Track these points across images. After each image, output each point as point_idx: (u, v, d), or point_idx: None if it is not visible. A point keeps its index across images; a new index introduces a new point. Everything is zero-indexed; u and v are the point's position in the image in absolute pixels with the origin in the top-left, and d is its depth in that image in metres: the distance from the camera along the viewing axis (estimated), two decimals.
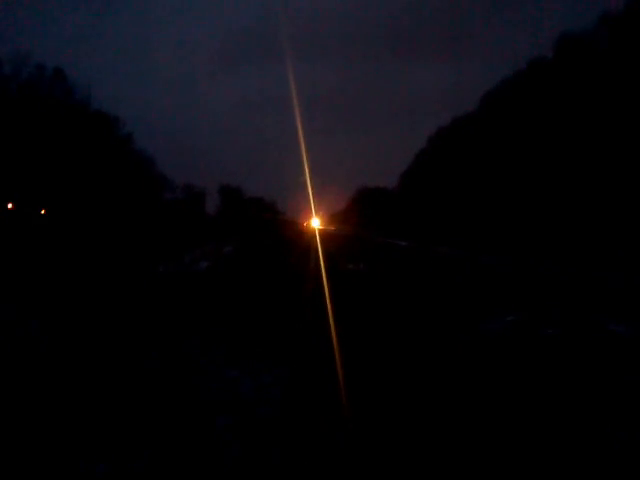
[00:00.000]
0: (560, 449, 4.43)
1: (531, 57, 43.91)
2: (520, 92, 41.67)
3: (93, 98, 49.96)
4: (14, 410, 5.37)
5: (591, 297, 12.69)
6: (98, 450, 4.50)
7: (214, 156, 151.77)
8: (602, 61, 32.95)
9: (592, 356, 7.14)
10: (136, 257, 23.83)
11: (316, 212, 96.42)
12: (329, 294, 12.87)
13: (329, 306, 11.19)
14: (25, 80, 45.08)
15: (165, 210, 60.49)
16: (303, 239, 52.02)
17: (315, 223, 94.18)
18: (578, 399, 5.54)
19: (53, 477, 4.17)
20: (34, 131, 40.16)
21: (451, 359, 7.22)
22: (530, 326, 8.93)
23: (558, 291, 13.84)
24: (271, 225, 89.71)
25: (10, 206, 42.48)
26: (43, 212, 43.85)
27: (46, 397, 5.68)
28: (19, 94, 44.06)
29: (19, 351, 7.61)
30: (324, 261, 23.03)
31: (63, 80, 47.84)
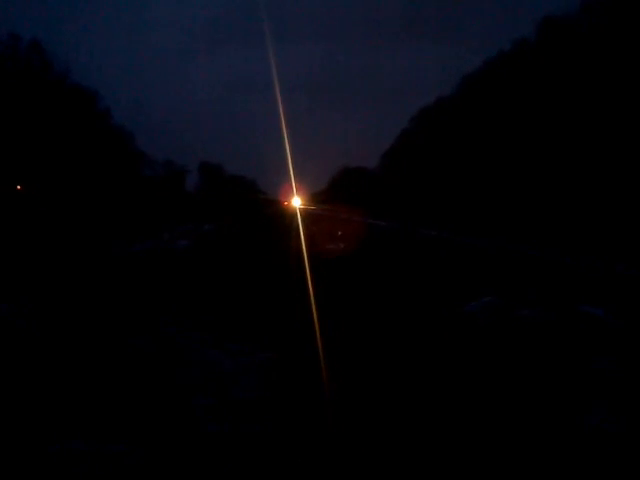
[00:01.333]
0: (528, 431, 4.54)
1: (514, 38, 43.88)
2: (503, 73, 41.70)
3: (72, 72, 48.79)
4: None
5: (567, 280, 12.90)
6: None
7: (196, 134, 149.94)
8: (585, 44, 33.08)
9: (566, 338, 7.29)
10: (113, 235, 23.57)
11: (297, 191, 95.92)
12: (310, 273, 12.90)
13: (310, 285, 11.23)
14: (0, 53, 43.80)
15: (144, 187, 59.76)
16: (284, 218, 51.90)
17: (296, 202, 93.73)
18: (547, 380, 5.67)
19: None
20: (10, 104, 39.20)
21: (428, 340, 7.32)
22: (506, 307, 9.06)
23: (534, 274, 14.05)
24: (252, 203, 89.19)
25: None
26: (18, 188, 43.03)
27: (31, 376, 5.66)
28: None
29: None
30: (305, 240, 23.04)
31: (40, 52, 46.57)
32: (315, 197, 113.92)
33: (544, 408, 4.96)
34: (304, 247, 19.68)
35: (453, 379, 5.77)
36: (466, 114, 46.12)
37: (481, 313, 8.81)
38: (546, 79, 35.10)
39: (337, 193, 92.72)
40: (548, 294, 10.34)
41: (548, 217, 28.93)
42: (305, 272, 13.41)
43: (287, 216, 57.08)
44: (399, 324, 8.22)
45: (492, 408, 4.98)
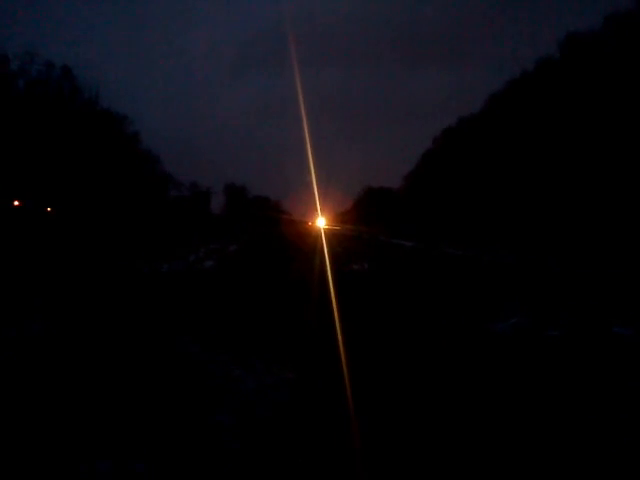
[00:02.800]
0: (552, 446, 4.41)
1: (538, 57, 43.79)
2: (527, 92, 41.54)
3: (102, 97, 50.12)
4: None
5: (596, 300, 12.62)
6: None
7: (221, 157, 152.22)
8: (609, 61, 32.80)
9: (594, 358, 7.11)
10: (141, 255, 23.86)
11: (321, 211, 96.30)
12: (335, 294, 12.85)
13: (335, 306, 11.17)
14: (33, 77, 45.23)
15: (170, 208, 60.60)
16: (308, 238, 51.97)
17: (320, 222, 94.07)
18: (577, 401, 5.52)
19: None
20: (41, 129, 40.28)
21: (454, 359, 7.20)
22: (534, 327, 8.90)
23: (561, 291, 13.78)
24: (276, 224, 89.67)
25: (16, 203, 42.64)
26: (49, 210, 43.95)
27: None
28: (27, 91, 44.21)
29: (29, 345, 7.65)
30: (329, 260, 23.01)
31: (71, 78, 47.99)
32: (339, 217, 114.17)
33: (572, 430, 4.83)
34: (329, 267, 19.64)
35: (479, 400, 5.66)
36: (488, 134, 45.96)
37: (510, 334, 8.66)
38: (571, 97, 34.83)
39: (361, 213, 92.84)
40: (578, 313, 10.13)
41: (578, 236, 28.50)
42: (329, 292, 13.37)
43: (311, 236, 57.17)
44: (425, 345, 8.11)
45: (514, 427, 4.87)
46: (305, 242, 42.77)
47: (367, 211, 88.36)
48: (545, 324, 9.13)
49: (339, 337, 8.31)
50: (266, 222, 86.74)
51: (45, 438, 4.68)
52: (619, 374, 6.40)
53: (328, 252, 28.21)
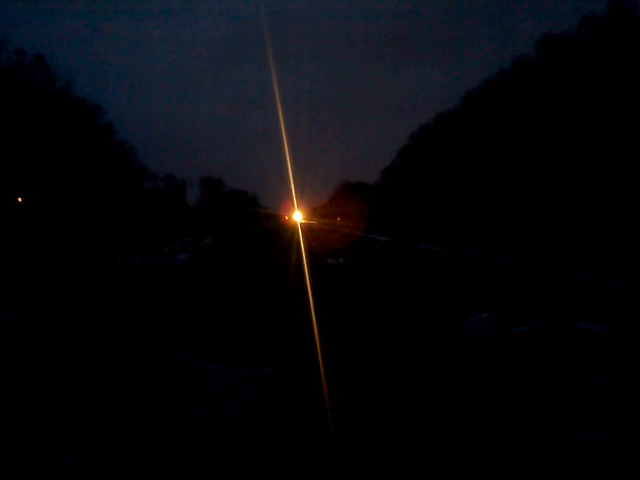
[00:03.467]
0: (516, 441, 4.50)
1: (514, 56, 44.27)
2: (503, 90, 41.99)
3: (76, 87, 49.11)
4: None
5: (566, 296, 12.85)
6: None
7: (198, 149, 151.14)
8: (584, 61, 33.37)
9: (562, 354, 7.25)
10: (113, 248, 23.56)
11: (298, 206, 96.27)
12: (310, 287, 12.89)
13: (311, 301, 11.21)
14: (3, 65, 44.12)
15: (144, 200, 59.89)
16: (284, 232, 51.98)
17: (297, 217, 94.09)
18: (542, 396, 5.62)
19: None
20: (10, 118, 39.39)
21: (424, 353, 7.28)
22: (505, 323, 9.03)
23: (535, 289, 14.00)
24: (252, 217, 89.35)
25: None
26: (19, 200, 43.12)
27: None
28: None
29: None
30: (305, 255, 23.03)
31: (44, 67, 46.94)
32: (316, 211, 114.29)
33: (536, 421, 4.92)
34: (304, 262, 19.67)
35: (450, 391, 5.73)
36: (465, 130, 46.38)
37: (480, 329, 8.77)
38: (546, 95, 35.32)
39: (337, 208, 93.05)
40: (549, 310, 10.30)
41: (548, 231, 28.96)
42: (305, 286, 13.41)
43: (288, 230, 57.13)
44: (397, 338, 8.19)
45: (486, 418, 4.94)
46: (281, 236, 42.76)
47: (344, 205, 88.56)
48: (515, 320, 9.27)
49: (315, 331, 8.34)
50: (242, 215, 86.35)
51: (8, 432, 4.61)
52: (583, 370, 6.53)
53: (304, 247, 28.24)
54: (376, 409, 5.24)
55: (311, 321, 9.16)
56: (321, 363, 6.69)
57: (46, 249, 21.75)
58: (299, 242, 32.73)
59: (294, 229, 57.72)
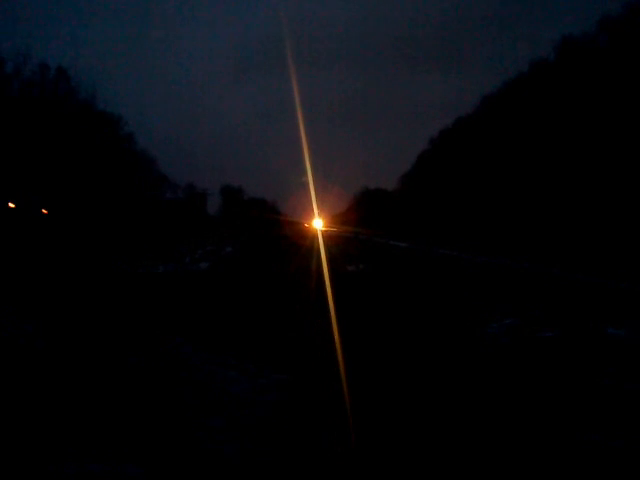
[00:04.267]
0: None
1: (533, 59, 43.95)
2: (522, 93, 41.68)
3: (98, 99, 50.04)
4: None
5: (589, 301, 12.66)
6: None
7: (218, 158, 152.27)
8: (603, 63, 32.98)
9: (585, 359, 7.14)
10: (136, 257, 23.83)
11: (318, 213, 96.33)
12: (332, 295, 12.85)
13: (332, 308, 11.18)
14: (27, 79, 45.11)
15: (165, 210, 60.52)
16: (305, 239, 51.98)
17: (317, 224, 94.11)
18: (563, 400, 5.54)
19: None
20: (36, 130, 40.18)
21: (448, 360, 7.22)
22: (527, 329, 8.92)
23: (554, 294, 13.81)
24: (272, 225, 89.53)
25: (12, 205, 42.52)
26: (45, 212, 43.85)
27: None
28: (21, 93, 44.09)
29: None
30: (326, 262, 23.01)
31: (67, 79, 47.90)
32: (336, 218, 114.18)
33: (549, 421, 4.85)
34: (325, 269, 19.65)
35: (472, 397, 5.68)
36: (485, 134, 46.06)
37: (502, 335, 8.68)
38: (566, 97, 34.96)
39: (357, 215, 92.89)
40: (572, 314, 10.16)
41: (572, 237, 28.58)
42: (326, 293, 13.38)
43: (308, 237, 57.16)
44: (419, 344, 8.13)
45: (502, 419, 4.89)
46: (301, 244, 42.78)
47: (363, 212, 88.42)
48: (538, 326, 9.16)
49: (336, 340, 8.31)
50: (262, 223, 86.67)
51: (35, 438, 4.67)
52: (609, 374, 6.43)
53: (324, 254, 28.22)
54: (396, 417, 5.21)
55: (331, 328, 9.13)
56: (343, 372, 6.67)
57: (71, 257, 22.07)
58: (319, 249, 32.72)
59: (314, 236, 57.75)
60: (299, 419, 5.18)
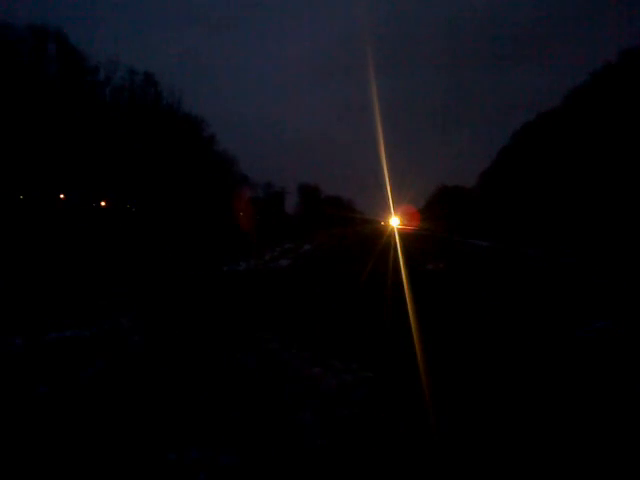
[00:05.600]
0: None
1: (622, 48, 41.66)
2: (609, 86, 39.63)
3: (183, 102, 52.07)
4: None
5: None
6: None
7: (296, 158, 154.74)
8: None
9: None
10: (219, 254, 24.64)
11: (394, 211, 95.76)
12: (410, 296, 12.80)
13: (410, 306, 11.15)
14: (117, 85, 47.50)
15: (246, 208, 62.08)
16: (381, 237, 51.84)
17: (394, 222, 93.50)
18: None
19: None
20: (127, 134, 42.34)
21: (539, 364, 7.04)
22: (620, 332, 8.53)
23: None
24: (349, 223, 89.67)
25: (103, 204, 45.06)
26: (133, 210, 46.16)
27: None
28: (112, 98, 46.51)
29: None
30: (403, 259, 22.90)
31: (154, 84, 50.10)
32: (413, 216, 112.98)
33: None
34: (402, 268, 19.56)
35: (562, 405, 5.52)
36: (569, 129, 44.13)
37: (595, 338, 8.35)
38: None
39: (435, 212, 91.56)
40: None
41: None
42: (404, 292, 13.34)
43: (384, 235, 56.94)
44: (504, 348, 7.96)
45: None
46: (378, 242, 42.72)
47: (441, 210, 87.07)
48: (631, 328, 8.74)
49: (415, 341, 8.29)
50: (339, 221, 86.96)
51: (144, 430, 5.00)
52: None
53: (402, 252, 28.07)
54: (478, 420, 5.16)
55: (410, 327, 9.11)
56: (422, 369, 6.66)
57: (159, 254, 23.14)
58: (396, 247, 32.56)
59: (391, 234, 57.44)
60: (384, 416, 5.23)
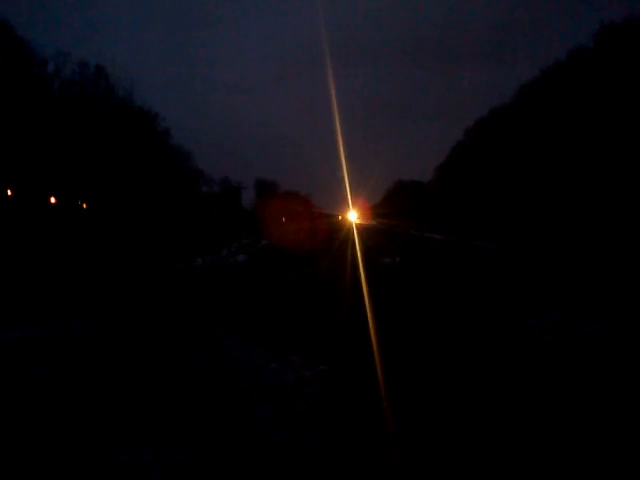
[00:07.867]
0: None
1: (570, 47, 42.90)
2: (559, 82, 40.75)
3: (136, 96, 50.80)
4: None
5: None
6: None
7: (252, 153, 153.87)
8: None
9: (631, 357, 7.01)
10: (173, 251, 24.24)
11: (352, 205, 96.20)
12: (366, 285, 12.88)
13: (366, 297, 11.21)
14: (68, 78, 46.02)
15: (201, 203, 61.31)
16: (340, 232, 52.03)
17: (352, 216, 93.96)
18: None
19: None
20: (77, 128, 41.09)
21: (488, 352, 7.17)
22: (570, 322, 8.79)
23: (599, 287, 13.53)
24: (307, 218, 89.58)
25: (53, 200, 43.66)
26: (84, 206, 44.91)
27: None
28: (62, 92, 45.05)
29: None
30: (360, 253, 23.02)
31: (106, 77, 48.73)
32: (370, 211, 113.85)
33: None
34: (360, 262, 19.67)
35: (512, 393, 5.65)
36: (522, 123, 45.18)
37: (544, 327, 8.57)
38: (606, 86, 34.03)
39: (391, 207, 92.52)
40: (615, 305, 9.98)
41: (609, 228, 27.90)
42: (361, 285, 13.41)
43: (342, 230, 57.19)
44: (458, 337, 8.09)
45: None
46: (336, 236, 42.87)
47: (397, 204, 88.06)
48: (580, 319, 9.00)
49: (372, 332, 8.34)
50: (297, 216, 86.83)
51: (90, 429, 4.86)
52: None
53: (359, 246, 28.22)
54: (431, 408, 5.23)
55: (367, 321, 9.16)
56: (378, 360, 6.70)
57: (111, 252, 22.60)
58: (354, 241, 32.73)
59: (349, 229, 57.73)
60: (340, 409, 5.24)
